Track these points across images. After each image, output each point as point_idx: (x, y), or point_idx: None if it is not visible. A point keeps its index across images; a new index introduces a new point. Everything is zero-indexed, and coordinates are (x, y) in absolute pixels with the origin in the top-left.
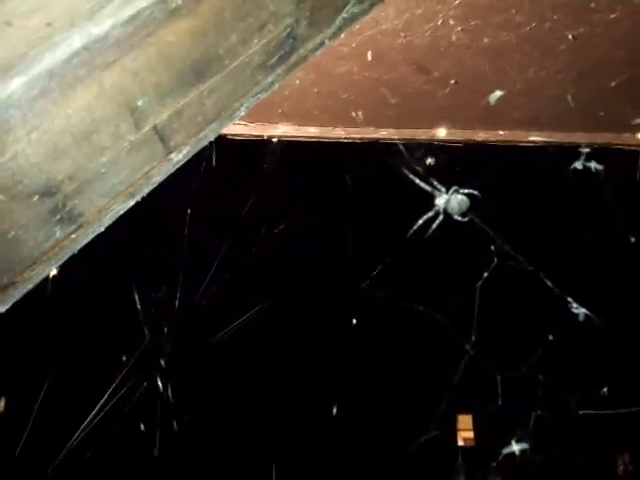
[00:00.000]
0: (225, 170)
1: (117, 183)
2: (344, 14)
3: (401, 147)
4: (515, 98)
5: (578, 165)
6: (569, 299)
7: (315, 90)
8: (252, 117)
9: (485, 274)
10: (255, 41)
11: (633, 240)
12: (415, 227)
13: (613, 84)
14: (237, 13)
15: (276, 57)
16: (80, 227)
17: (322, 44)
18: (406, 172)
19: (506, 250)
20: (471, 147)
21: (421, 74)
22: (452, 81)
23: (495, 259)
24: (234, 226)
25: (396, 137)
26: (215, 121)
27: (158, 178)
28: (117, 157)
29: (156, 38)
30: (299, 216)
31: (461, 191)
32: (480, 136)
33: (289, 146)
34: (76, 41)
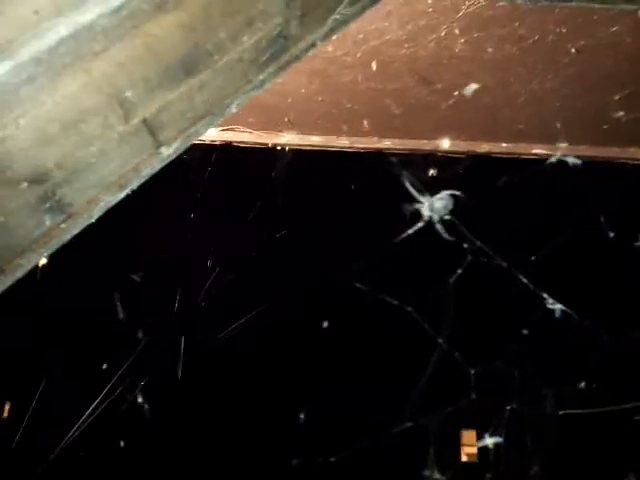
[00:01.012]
0: (229, 176)
1: (107, 174)
2: (336, 15)
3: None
4: (519, 110)
5: (553, 160)
6: (545, 295)
7: (320, 99)
8: (258, 125)
9: (459, 270)
10: (245, 38)
11: (612, 235)
12: (403, 235)
13: (617, 97)
14: (225, 9)
15: (267, 55)
16: (70, 217)
17: (314, 45)
18: (407, 184)
19: (479, 246)
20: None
21: (425, 85)
22: (456, 92)
23: (469, 256)
24: (236, 230)
25: (400, 147)
26: (206, 117)
27: (148, 171)
28: (106, 148)
29: (142, 30)
30: (302, 223)
31: (443, 192)
32: (483, 148)
33: (294, 154)
34: (62, 29)
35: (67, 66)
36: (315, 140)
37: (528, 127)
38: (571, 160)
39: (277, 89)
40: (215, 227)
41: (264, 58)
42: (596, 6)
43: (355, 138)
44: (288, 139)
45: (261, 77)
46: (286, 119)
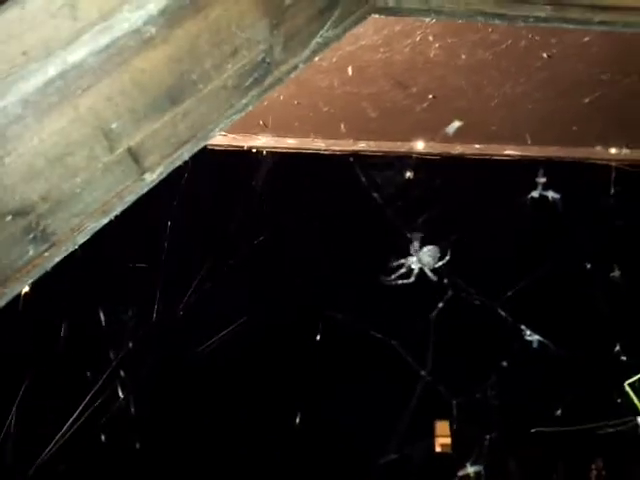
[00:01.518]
0: (204, 181)
1: (90, 202)
2: (318, 39)
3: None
4: (492, 113)
5: (535, 194)
6: (522, 327)
7: (295, 102)
8: (232, 128)
9: (440, 304)
10: (229, 66)
11: (589, 267)
12: (390, 279)
13: (586, 101)
14: (211, 41)
15: (250, 80)
16: (53, 245)
17: (296, 67)
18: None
19: (459, 282)
20: (448, 160)
21: (400, 89)
22: (430, 96)
23: (449, 291)
24: (213, 237)
25: (375, 149)
26: (189, 142)
27: (131, 197)
28: (91, 178)
29: (130, 66)
30: (280, 227)
31: (430, 246)
32: (457, 149)
33: (270, 157)
34: (51, 70)
35: (54, 105)
36: (290, 143)
37: (500, 129)
38: (551, 195)
39: None
40: (193, 234)
41: (247, 83)
42: (570, 27)
43: (331, 141)
44: (264, 142)
45: (244, 101)
46: (261, 122)
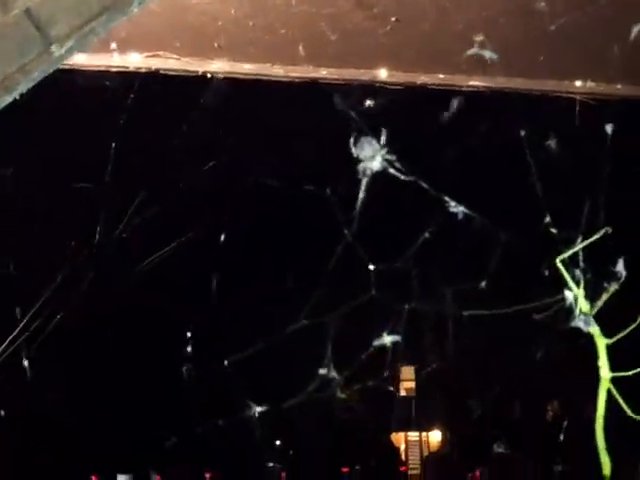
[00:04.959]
0: (156, 105)
1: None
2: None
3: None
4: (457, 40)
5: (470, 52)
6: (446, 198)
7: (251, 23)
8: (186, 50)
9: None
10: None
11: (523, 133)
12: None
13: (552, 28)
14: None
15: None
16: None
17: None
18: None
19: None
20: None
21: (361, 9)
22: (393, 18)
23: (380, 159)
24: (162, 161)
25: (336, 77)
26: (102, 14)
27: (38, 74)
28: None
29: None
30: (231, 154)
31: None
32: (421, 79)
33: (225, 82)
34: None
35: None
36: (247, 68)
37: (465, 58)
38: (488, 55)
39: (204, 9)
40: (139, 156)
41: None
42: None
43: (290, 67)
44: (219, 66)
45: None
46: (216, 44)
